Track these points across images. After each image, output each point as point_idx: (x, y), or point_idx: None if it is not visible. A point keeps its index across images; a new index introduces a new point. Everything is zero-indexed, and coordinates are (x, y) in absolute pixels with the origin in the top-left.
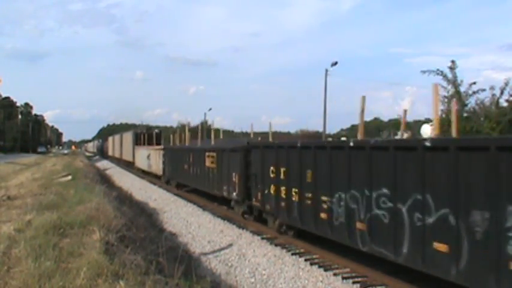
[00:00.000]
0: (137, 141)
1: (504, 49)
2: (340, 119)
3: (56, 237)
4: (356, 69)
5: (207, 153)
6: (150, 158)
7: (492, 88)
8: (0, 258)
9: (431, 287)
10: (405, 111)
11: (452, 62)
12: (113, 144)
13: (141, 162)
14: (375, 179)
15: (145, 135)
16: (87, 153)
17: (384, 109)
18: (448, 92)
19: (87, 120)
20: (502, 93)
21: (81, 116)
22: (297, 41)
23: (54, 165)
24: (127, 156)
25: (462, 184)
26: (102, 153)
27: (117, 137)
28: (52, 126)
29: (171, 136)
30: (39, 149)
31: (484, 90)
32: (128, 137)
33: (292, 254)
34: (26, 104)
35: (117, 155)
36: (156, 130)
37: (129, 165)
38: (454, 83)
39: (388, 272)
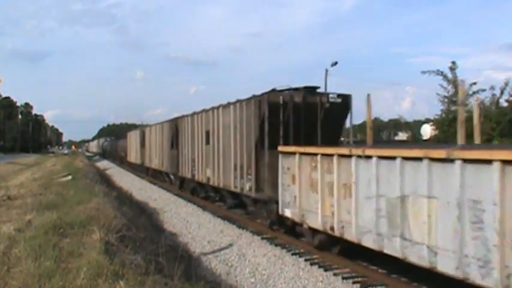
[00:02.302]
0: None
1: (504, 49)
2: None
3: (56, 237)
4: (356, 69)
5: None
6: None
7: (492, 88)
8: (0, 258)
9: (431, 287)
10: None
11: (453, 62)
12: (137, 144)
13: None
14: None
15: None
16: (88, 154)
17: (384, 109)
18: (448, 92)
19: (87, 120)
20: (502, 93)
21: (81, 116)
22: (297, 40)
23: (54, 165)
24: (225, 179)
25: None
26: (111, 156)
27: (156, 128)
28: (52, 126)
29: None
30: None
31: (484, 90)
32: (222, 115)
33: (292, 254)
34: (26, 104)
35: (156, 164)
36: (335, 95)
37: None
38: (454, 83)
39: (388, 272)
